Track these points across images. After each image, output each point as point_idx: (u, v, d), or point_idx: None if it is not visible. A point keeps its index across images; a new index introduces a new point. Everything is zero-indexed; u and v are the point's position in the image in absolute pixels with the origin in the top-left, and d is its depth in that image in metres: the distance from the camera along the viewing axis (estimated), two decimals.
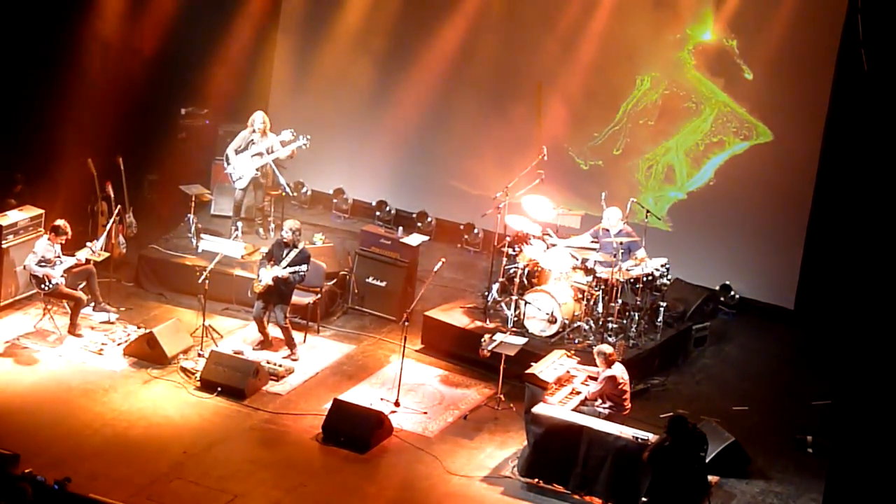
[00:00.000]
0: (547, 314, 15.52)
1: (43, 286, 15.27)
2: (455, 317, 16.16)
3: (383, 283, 16.75)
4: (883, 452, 10.99)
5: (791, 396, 15.73)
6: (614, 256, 15.60)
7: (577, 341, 15.49)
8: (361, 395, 14.81)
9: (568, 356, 14.20)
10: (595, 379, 13.86)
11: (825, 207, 16.93)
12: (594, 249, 15.93)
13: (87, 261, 15.68)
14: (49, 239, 15.38)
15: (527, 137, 18.18)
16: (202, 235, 16.88)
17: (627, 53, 17.84)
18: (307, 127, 17.52)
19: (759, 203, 17.48)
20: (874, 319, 11.38)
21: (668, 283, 16.09)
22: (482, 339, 14.90)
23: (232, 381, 14.53)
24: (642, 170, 18.01)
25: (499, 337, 14.80)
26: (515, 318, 15.81)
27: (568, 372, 13.97)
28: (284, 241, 15.40)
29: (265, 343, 15.64)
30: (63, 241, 15.42)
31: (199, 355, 15.19)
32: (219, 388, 14.55)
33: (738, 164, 17.55)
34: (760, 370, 16.36)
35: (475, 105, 18.74)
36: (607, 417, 13.47)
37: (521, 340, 14.76)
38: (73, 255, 15.52)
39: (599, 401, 13.69)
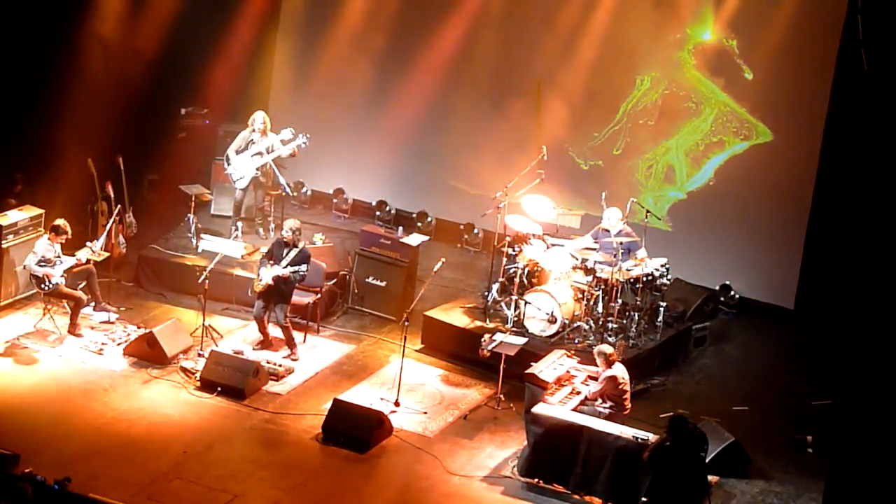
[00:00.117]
0: (547, 314, 15.52)
1: (43, 286, 15.27)
2: (455, 317, 16.16)
3: (383, 283, 16.75)
4: (883, 452, 10.99)
5: (791, 396, 15.73)
6: (614, 256, 15.60)
7: (577, 341, 15.49)
8: (361, 395, 14.81)
9: (568, 356, 14.20)
10: (595, 379, 13.86)
11: (825, 207, 16.92)
12: (596, 250, 15.93)
13: (87, 261, 15.68)
14: (49, 239, 15.38)
15: (527, 137, 18.19)
16: (202, 235, 16.88)
17: (627, 53, 17.83)
18: (307, 127, 17.52)
19: (759, 203, 17.48)
20: (874, 319, 11.38)
21: (668, 283, 16.09)
22: (482, 339, 14.90)
23: (232, 380, 14.53)
24: (642, 170, 18.01)
25: (499, 337, 14.80)
26: (515, 318, 15.81)
27: (568, 372, 13.97)
28: (284, 240, 15.40)
29: (265, 343, 15.64)
30: (63, 241, 15.42)
31: (199, 355, 15.20)
32: (219, 388, 14.55)
33: (738, 163, 17.55)
34: (760, 370, 16.36)
35: (475, 105, 18.74)
36: (607, 417, 13.47)
37: (521, 340, 14.76)
38: (73, 255, 15.52)
39: (599, 401, 13.69)
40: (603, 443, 12.99)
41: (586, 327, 15.63)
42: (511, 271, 16.21)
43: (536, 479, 13.37)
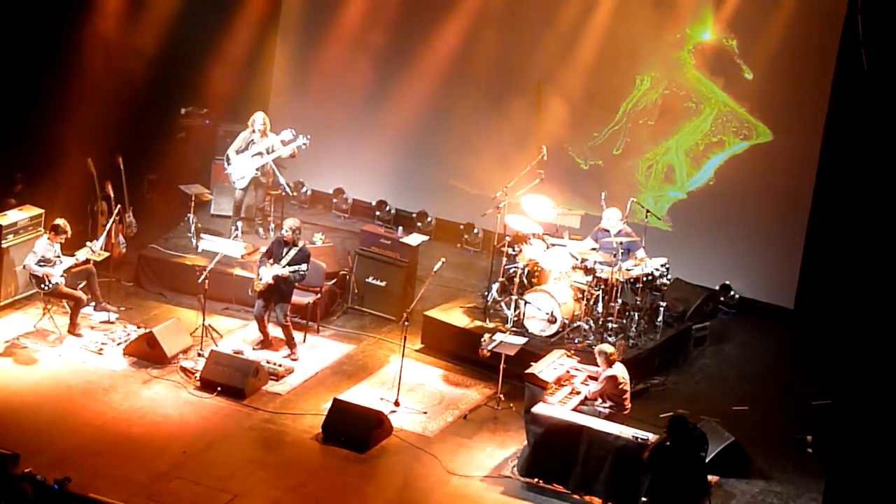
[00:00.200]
0: (547, 314, 15.52)
1: (43, 286, 15.27)
2: (455, 317, 16.16)
3: (383, 283, 16.75)
4: (883, 452, 10.99)
5: (791, 396, 15.74)
6: (614, 256, 15.60)
7: (576, 341, 15.49)
8: (361, 394, 14.80)
9: (568, 356, 14.20)
10: (595, 379, 13.86)
11: (825, 207, 16.92)
12: (596, 250, 15.95)
13: (87, 260, 15.67)
14: (49, 238, 15.38)
15: (526, 137, 18.19)
16: (202, 235, 16.88)
17: (627, 53, 17.84)
18: (307, 127, 17.52)
19: (759, 203, 17.49)
20: (874, 319, 11.38)
21: (667, 282, 16.09)
22: (482, 339, 14.90)
23: (232, 380, 14.53)
24: (642, 170, 18.01)
25: (499, 337, 14.80)
26: (515, 318, 15.81)
27: (568, 372, 13.96)
28: (284, 239, 15.40)
29: (265, 342, 15.64)
30: (63, 241, 15.42)
31: (199, 355, 15.19)
32: (218, 388, 14.55)
33: (737, 163, 17.55)
34: (760, 370, 16.36)
35: (475, 105, 18.74)
36: (607, 417, 13.47)
37: (521, 340, 14.76)
38: (73, 255, 15.52)
39: (599, 400, 13.69)
40: (603, 443, 12.99)
41: (586, 327, 15.63)
42: (511, 271, 16.21)
43: (536, 479, 13.37)
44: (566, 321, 15.56)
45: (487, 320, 15.99)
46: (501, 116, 18.42)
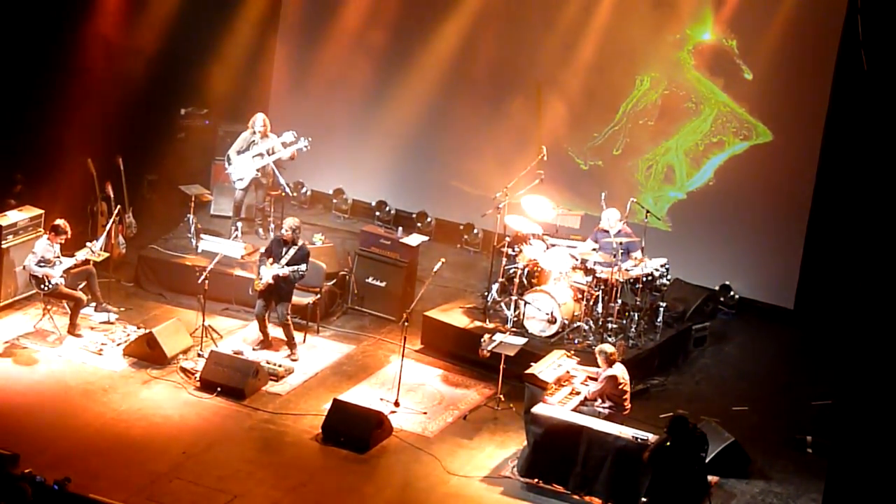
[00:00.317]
0: (547, 314, 15.52)
1: (42, 286, 15.26)
2: (455, 317, 16.15)
3: (383, 284, 16.75)
4: (883, 452, 10.98)
5: (791, 396, 15.73)
6: (614, 257, 15.60)
7: (576, 341, 15.49)
8: (361, 395, 14.80)
9: (568, 356, 14.20)
10: (595, 379, 13.85)
11: (825, 207, 16.92)
12: (596, 251, 15.95)
13: (87, 261, 15.67)
14: (49, 239, 15.38)
15: (526, 137, 18.19)
16: (202, 235, 16.88)
17: (627, 53, 17.84)
18: (307, 127, 17.52)
19: (759, 203, 17.48)
20: (874, 319, 11.37)
21: (667, 283, 16.10)
22: (482, 340, 14.89)
23: (231, 381, 14.53)
24: (642, 170, 18.01)
25: (498, 337, 14.80)
26: (515, 319, 15.81)
27: (568, 372, 13.96)
28: (284, 238, 15.40)
29: (265, 343, 15.63)
30: (63, 241, 15.41)
31: (199, 355, 15.19)
32: (218, 389, 14.55)
33: (737, 164, 17.55)
34: (760, 370, 16.36)
35: (475, 105, 18.74)
36: (607, 417, 13.47)
37: (521, 340, 14.75)
38: (73, 256, 15.51)
39: (599, 401, 13.69)
40: (603, 443, 12.99)
41: (586, 327, 15.63)
42: (511, 271, 16.21)
43: (536, 480, 13.37)
44: (566, 321, 15.56)
45: (487, 321, 15.99)
46: (501, 117, 18.42)
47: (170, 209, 18.31)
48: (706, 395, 15.60)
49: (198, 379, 14.75)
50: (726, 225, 17.69)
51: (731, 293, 17.63)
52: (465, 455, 13.89)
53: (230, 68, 18.87)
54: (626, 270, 15.61)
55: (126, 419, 13.98)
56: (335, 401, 14.22)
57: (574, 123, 18.20)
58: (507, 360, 14.56)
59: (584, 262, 15.76)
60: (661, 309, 16.06)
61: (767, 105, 17.32)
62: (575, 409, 13.51)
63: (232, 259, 16.20)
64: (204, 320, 15.46)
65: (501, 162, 17.71)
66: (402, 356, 14.78)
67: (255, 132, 17.12)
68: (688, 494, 12.41)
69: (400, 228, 17.73)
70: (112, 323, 15.84)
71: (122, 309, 16.19)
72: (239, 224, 17.46)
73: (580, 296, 15.69)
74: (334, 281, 16.85)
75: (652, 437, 12.84)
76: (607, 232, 15.93)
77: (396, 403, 14.61)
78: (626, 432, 12.98)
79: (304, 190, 19.62)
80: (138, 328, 15.72)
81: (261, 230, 17.66)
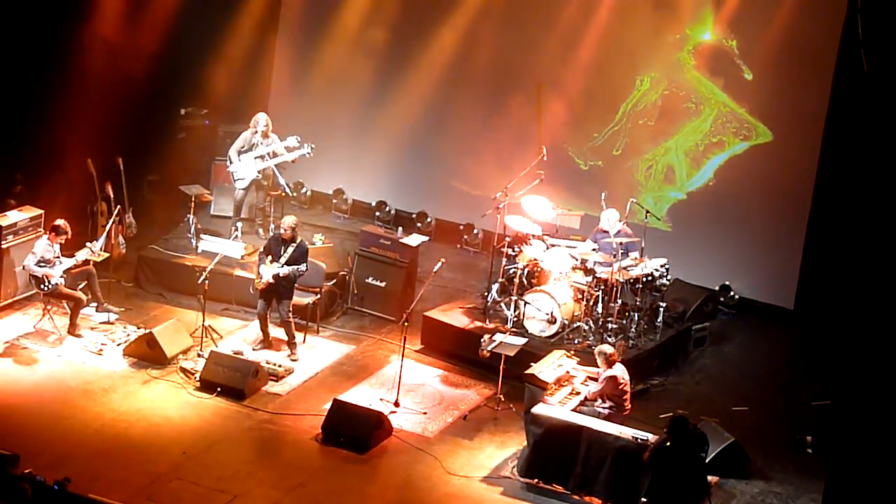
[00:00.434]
0: (546, 314, 15.52)
1: (42, 286, 15.26)
2: (455, 317, 16.15)
3: (383, 284, 16.75)
4: (883, 452, 10.99)
5: (791, 396, 15.73)
6: (613, 257, 15.60)
7: (576, 341, 15.49)
8: (361, 395, 14.80)
9: (567, 356, 14.20)
10: (595, 379, 13.85)
11: (825, 207, 16.92)
12: (596, 251, 15.95)
13: (87, 261, 15.67)
14: (49, 239, 15.37)
15: (526, 137, 18.19)
16: (202, 235, 16.89)
17: (627, 53, 17.84)
18: (307, 127, 17.54)
19: (759, 203, 17.48)
20: (874, 319, 11.37)
21: (667, 283, 16.10)
22: (482, 340, 14.89)
23: (231, 381, 14.53)
24: (642, 170, 18.01)
25: (498, 337, 14.80)
26: (515, 319, 15.81)
27: (567, 372, 13.96)
28: (283, 237, 15.40)
29: (265, 342, 15.64)
30: (63, 241, 15.41)
31: (199, 355, 15.19)
32: (218, 389, 14.55)
33: (737, 164, 17.54)
34: (760, 370, 16.35)
35: (475, 105, 18.75)
36: (607, 418, 13.46)
37: (521, 341, 14.75)
38: (73, 256, 15.51)
39: (599, 401, 13.69)
40: (603, 443, 12.99)
41: (586, 328, 15.63)
42: (511, 272, 16.21)
43: (536, 480, 13.37)
44: (566, 322, 15.56)
45: (487, 321, 15.99)
46: (501, 117, 18.43)
47: (170, 209, 18.32)
48: (706, 395, 15.60)
49: (198, 379, 14.74)
50: (726, 225, 17.69)
51: (731, 293, 17.63)
52: (465, 455, 13.89)
53: (230, 68, 18.89)
54: (626, 270, 15.59)
55: (126, 419, 13.98)
56: (335, 401, 14.22)
57: (574, 123, 18.21)
58: (507, 360, 14.56)
59: (584, 262, 15.76)
60: (661, 309, 16.06)
61: (767, 105, 17.32)
62: (575, 410, 13.51)
63: (232, 259, 16.21)
64: (204, 320, 15.46)
65: (501, 162, 17.72)
66: (402, 356, 14.78)
67: (256, 132, 17.11)
68: (688, 494, 12.41)
69: (400, 228, 17.74)
70: (112, 323, 15.84)
71: (122, 309, 16.19)
72: (239, 224, 17.46)
73: (580, 296, 15.69)
74: (334, 281, 16.85)
75: (652, 437, 12.84)
76: (607, 232, 15.93)
77: (396, 404, 14.61)
78: (626, 432, 12.98)
79: (304, 190, 19.62)
80: (138, 328, 15.72)
81: (261, 230, 17.66)
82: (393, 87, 18.99)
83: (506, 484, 13.43)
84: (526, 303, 15.65)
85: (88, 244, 15.79)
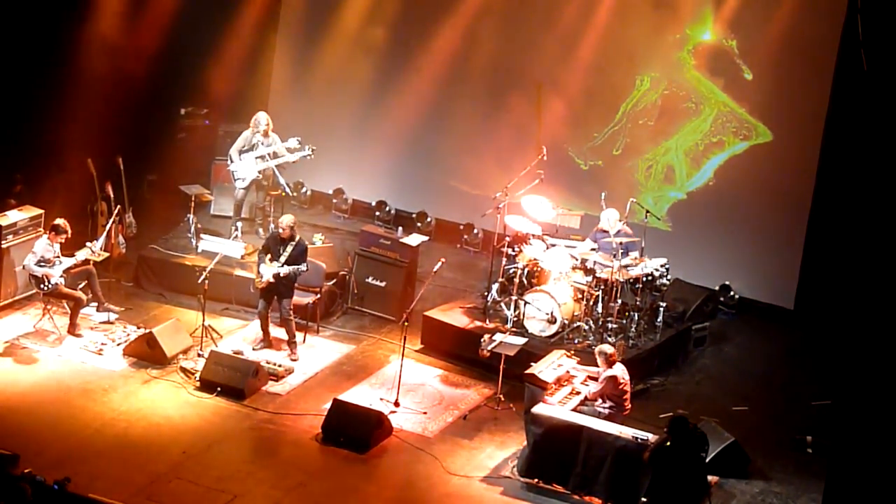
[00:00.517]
0: (546, 314, 15.52)
1: (42, 286, 15.26)
2: (455, 317, 16.15)
3: (383, 284, 16.75)
4: (883, 452, 10.99)
5: (791, 396, 15.73)
6: (613, 257, 15.60)
7: (576, 341, 15.49)
8: (361, 395, 14.80)
9: (568, 356, 14.20)
10: (595, 379, 13.85)
11: (825, 207, 16.92)
12: (596, 251, 15.95)
13: (87, 261, 15.67)
14: (49, 238, 15.37)
15: (526, 137, 18.19)
16: (202, 235, 16.89)
17: (627, 53, 17.84)
18: (307, 127, 17.54)
19: (759, 203, 17.48)
20: (874, 319, 11.37)
21: (667, 283, 16.10)
22: (482, 339, 14.90)
23: (231, 381, 14.53)
24: (642, 170, 18.01)
25: (498, 337, 14.80)
26: (515, 318, 15.80)
27: (568, 372, 13.96)
28: (282, 236, 15.39)
29: (266, 342, 15.64)
30: (63, 241, 15.41)
31: (199, 355, 15.19)
32: (218, 388, 14.55)
33: (737, 164, 17.54)
34: (760, 370, 16.35)
35: (475, 105, 18.74)
36: (607, 417, 13.46)
37: (521, 340, 14.75)
38: (73, 256, 15.51)
39: (599, 401, 13.68)
40: (603, 443, 12.99)
41: (586, 327, 15.63)
42: (511, 271, 16.21)
43: (536, 480, 13.37)
44: (566, 321, 15.56)
45: (487, 320, 15.99)
46: (501, 117, 18.42)
47: (170, 209, 18.31)
48: (706, 395, 15.60)
49: (198, 379, 14.74)
50: (726, 225, 17.69)
51: (731, 293, 17.63)
52: (465, 455, 13.89)
53: (230, 68, 18.88)
54: (626, 270, 15.59)
55: (126, 419, 13.97)
56: (335, 401, 14.22)
57: (574, 123, 18.21)
58: (507, 360, 14.56)
59: (584, 262, 15.76)
60: (661, 309, 16.06)
61: (767, 105, 17.32)
62: (575, 409, 13.51)
63: (232, 259, 16.21)
64: (204, 320, 15.46)
65: (501, 162, 17.71)
66: (402, 356, 14.78)
67: (257, 131, 17.11)
68: (688, 495, 12.41)
69: (400, 228, 17.75)
70: (112, 323, 15.84)
71: (122, 309, 16.19)
72: (239, 224, 17.46)
73: (580, 296, 15.68)
74: (334, 281, 16.85)
75: (652, 437, 12.84)
76: (607, 232, 15.93)
77: (396, 403, 14.61)
78: (626, 432, 12.98)
79: (304, 190, 19.62)
80: (138, 328, 15.72)
81: (261, 230, 17.65)
82: (393, 86, 18.99)
83: (506, 484, 13.43)
84: (526, 302, 15.65)
85: (88, 244, 15.80)
